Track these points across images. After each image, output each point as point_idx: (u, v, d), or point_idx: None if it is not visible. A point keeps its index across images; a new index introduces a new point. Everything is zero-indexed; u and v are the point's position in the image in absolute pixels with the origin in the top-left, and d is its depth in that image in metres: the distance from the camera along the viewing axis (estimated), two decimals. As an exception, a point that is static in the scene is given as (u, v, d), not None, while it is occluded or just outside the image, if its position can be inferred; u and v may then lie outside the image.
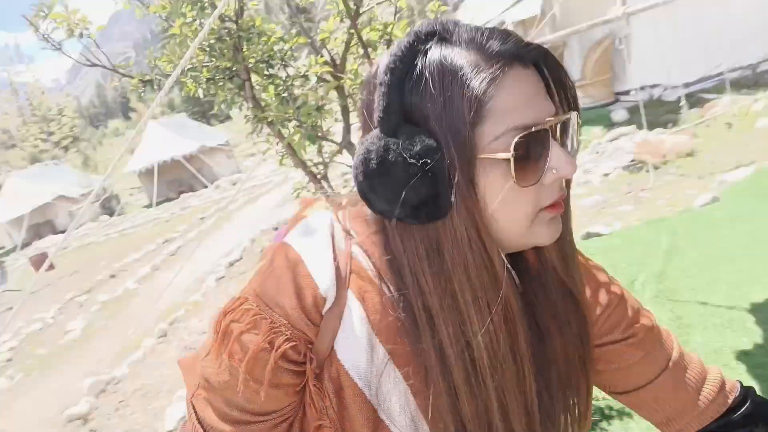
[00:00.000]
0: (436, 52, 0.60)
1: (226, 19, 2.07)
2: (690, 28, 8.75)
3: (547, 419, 0.70)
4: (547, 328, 0.71)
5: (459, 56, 0.60)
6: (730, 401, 0.75)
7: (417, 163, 0.59)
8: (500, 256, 0.63)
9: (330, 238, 0.68)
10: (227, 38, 2.05)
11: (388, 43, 2.16)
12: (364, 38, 2.16)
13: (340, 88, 2.22)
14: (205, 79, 2.13)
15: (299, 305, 0.64)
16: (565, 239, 0.69)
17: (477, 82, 0.58)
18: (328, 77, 2.20)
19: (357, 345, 0.66)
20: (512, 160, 0.59)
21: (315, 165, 2.41)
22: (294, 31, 2.33)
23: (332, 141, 2.34)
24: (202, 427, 0.68)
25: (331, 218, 0.71)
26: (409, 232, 0.63)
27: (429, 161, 0.59)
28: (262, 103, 2.22)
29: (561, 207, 0.65)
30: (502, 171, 0.60)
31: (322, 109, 2.16)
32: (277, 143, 2.34)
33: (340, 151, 2.37)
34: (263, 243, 9.24)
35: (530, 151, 0.60)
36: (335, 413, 0.66)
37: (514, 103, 0.59)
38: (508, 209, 0.62)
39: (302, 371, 0.66)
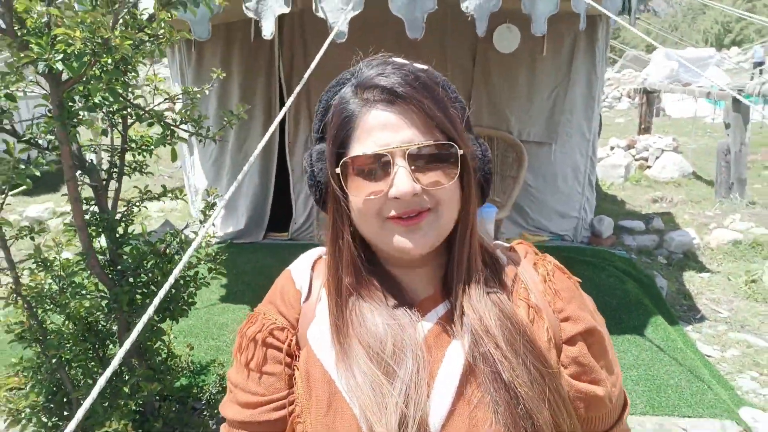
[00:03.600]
0: (347, 87, 0.77)
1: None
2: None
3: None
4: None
5: (352, 90, 0.76)
6: None
7: (310, 168, 0.81)
8: (349, 241, 0.78)
9: (315, 256, 0.89)
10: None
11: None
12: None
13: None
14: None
15: (282, 297, 0.85)
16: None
17: (348, 110, 0.74)
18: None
19: (323, 330, 0.80)
20: (340, 176, 0.75)
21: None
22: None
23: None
24: (230, 424, 0.83)
25: (324, 249, 0.88)
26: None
27: (315, 169, 0.80)
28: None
29: (412, 220, 0.73)
30: (356, 183, 0.74)
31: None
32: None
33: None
34: None
35: (371, 170, 0.72)
36: (304, 389, 0.78)
37: (367, 131, 0.73)
38: (360, 214, 0.76)
39: (289, 351, 0.81)
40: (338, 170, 0.74)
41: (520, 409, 0.71)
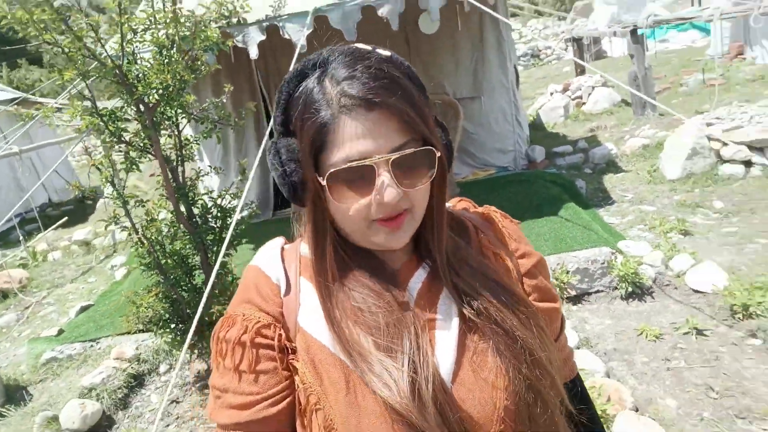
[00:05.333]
0: (311, 82, 0.76)
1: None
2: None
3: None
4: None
5: (322, 90, 0.75)
6: (574, 374, 0.99)
7: (281, 167, 0.79)
8: (333, 236, 0.82)
9: (279, 247, 0.91)
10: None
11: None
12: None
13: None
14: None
15: (259, 294, 0.84)
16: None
17: (322, 116, 0.74)
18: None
19: (316, 315, 0.82)
20: (326, 186, 0.75)
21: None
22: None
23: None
24: (224, 428, 0.81)
25: (283, 239, 0.94)
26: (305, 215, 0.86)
27: (288, 168, 0.79)
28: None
29: (394, 222, 0.77)
30: (341, 191, 0.76)
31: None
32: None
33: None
34: None
35: (355, 178, 0.75)
36: (313, 377, 0.79)
37: (347, 139, 0.73)
38: (345, 217, 0.79)
39: (281, 346, 0.81)
40: (324, 182, 0.75)
41: (519, 347, 0.79)
